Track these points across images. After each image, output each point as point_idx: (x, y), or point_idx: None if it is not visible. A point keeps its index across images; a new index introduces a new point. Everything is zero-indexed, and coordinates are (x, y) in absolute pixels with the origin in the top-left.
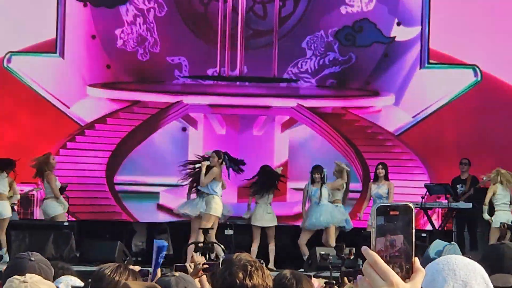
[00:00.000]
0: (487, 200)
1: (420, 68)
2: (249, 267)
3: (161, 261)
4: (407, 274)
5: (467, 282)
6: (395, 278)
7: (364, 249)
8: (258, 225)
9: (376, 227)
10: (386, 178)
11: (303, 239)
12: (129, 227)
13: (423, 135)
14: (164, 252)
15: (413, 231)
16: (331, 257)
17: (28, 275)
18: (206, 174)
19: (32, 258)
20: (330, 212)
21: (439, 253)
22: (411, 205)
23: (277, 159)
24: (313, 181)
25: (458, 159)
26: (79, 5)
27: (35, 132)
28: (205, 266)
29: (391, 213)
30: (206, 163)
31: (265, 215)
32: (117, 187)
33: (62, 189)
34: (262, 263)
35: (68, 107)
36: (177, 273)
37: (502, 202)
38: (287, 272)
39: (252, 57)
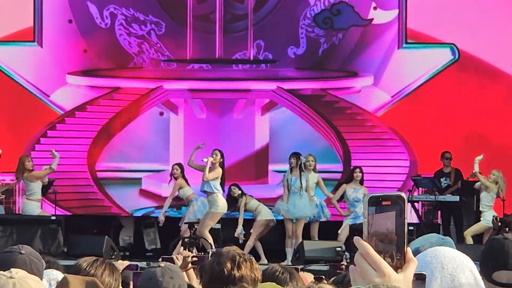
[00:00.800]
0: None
1: (398, 48)
2: (238, 258)
3: None
4: (399, 264)
5: (455, 275)
6: (387, 268)
7: (356, 239)
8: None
9: (368, 217)
10: (362, 182)
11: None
12: (116, 222)
13: (403, 115)
14: None
15: (406, 221)
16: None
17: (13, 270)
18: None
19: (23, 251)
20: (304, 204)
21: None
22: (403, 195)
23: (258, 142)
24: (291, 170)
25: (437, 138)
26: None
27: (15, 121)
28: (194, 259)
29: (383, 203)
30: (210, 159)
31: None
32: (99, 174)
33: (50, 184)
34: (252, 258)
35: (48, 96)
36: (162, 264)
37: (490, 204)
38: (277, 266)
39: (230, 41)
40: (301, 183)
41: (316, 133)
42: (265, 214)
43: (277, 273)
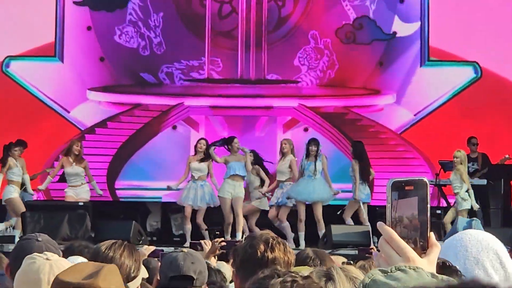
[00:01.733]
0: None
1: (421, 66)
2: (271, 240)
3: None
4: (423, 249)
5: (479, 258)
6: (411, 253)
7: (380, 224)
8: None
9: (391, 203)
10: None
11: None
12: (144, 207)
13: (425, 133)
14: None
15: (428, 206)
16: None
17: (47, 253)
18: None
19: (39, 239)
20: (319, 188)
21: (466, 228)
22: (425, 179)
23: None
24: (308, 155)
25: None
26: (78, 8)
27: (35, 137)
28: (223, 243)
29: (406, 188)
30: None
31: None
32: (119, 192)
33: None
34: (285, 241)
35: (68, 112)
36: (185, 249)
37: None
38: (309, 250)
39: (253, 58)
40: (315, 167)
41: (338, 151)
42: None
43: (306, 259)
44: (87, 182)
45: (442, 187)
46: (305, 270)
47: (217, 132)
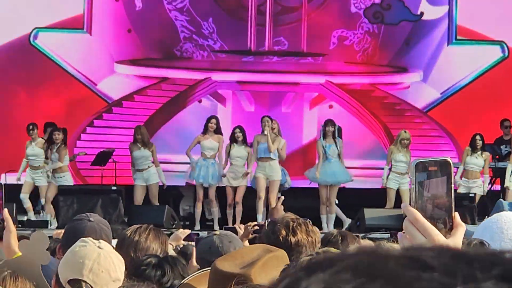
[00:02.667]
0: None
1: (448, 44)
2: (292, 223)
3: None
4: (448, 229)
5: None
6: (436, 234)
7: (404, 205)
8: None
9: (416, 184)
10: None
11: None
12: (177, 191)
13: (451, 112)
14: None
15: (452, 186)
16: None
17: (102, 242)
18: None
19: (91, 219)
20: (339, 170)
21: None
22: (449, 159)
23: (306, 136)
24: (325, 136)
25: (486, 135)
26: None
27: (62, 109)
28: (255, 227)
29: (430, 168)
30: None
31: None
32: None
33: (109, 154)
34: (308, 221)
35: (95, 84)
36: (217, 232)
37: None
38: (334, 230)
39: (280, 33)
40: (337, 149)
41: (364, 129)
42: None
43: (329, 237)
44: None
45: None
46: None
47: (244, 107)
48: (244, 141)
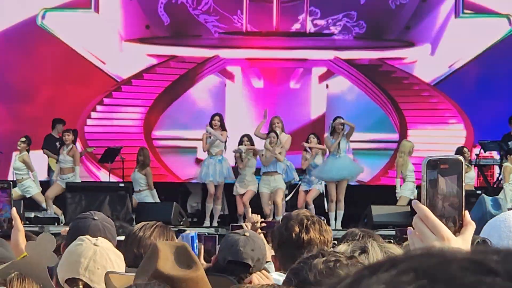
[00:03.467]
0: None
1: (455, 17)
2: (306, 221)
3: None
4: (457, 228)
5: None
6: (446, 232)
7: (415, 202)
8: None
9: (427, 181)
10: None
11: (333, 194)
12: (184, 188)
13: (459, 85)
14: (195, 243)
15: (463, 184)
16: None
17: (99, 239)
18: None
19: (95, 217)
20: (347, 166)
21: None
22: (461, 158)
23: (315, 112)
24: (333, 133)
25: (493, 108)
26: None
27: (71, 89)
28: (263, 224)
29: (441, 166)
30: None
31: None
32: (155, 143)
33: (117, 151)
34: (322, 220)
35: (104, 63)
36: (247, 233)
37: None
38: (357, 230)
39: (285, 10)
40: (339, 146)
41: (373, 103)
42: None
43: (355, 238)
44: None
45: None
46: (341, 246)
47: (253, 84)
48: (249, 158)
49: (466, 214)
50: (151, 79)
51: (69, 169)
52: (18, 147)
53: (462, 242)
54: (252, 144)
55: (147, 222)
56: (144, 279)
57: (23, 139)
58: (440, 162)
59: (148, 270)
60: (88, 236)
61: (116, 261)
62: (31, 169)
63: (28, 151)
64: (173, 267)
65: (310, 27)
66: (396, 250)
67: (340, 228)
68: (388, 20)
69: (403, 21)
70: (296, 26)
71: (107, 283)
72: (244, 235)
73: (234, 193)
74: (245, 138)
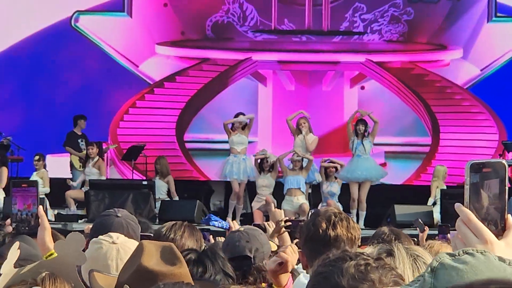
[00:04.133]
0: None
1: (488, 21)
2: (333, 217)
3: (219, 222)
4: (500, 231)
5: None
6: (489, 235)
7: (458, 206)
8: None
9: (470, 184)
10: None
11: (355, 193)
12: (207, 186)
13: (492, 88)
14: (213, 220)
15: (506, 188)
16: None
17: (113, 234)
18: None
19: (119, 214)
20: (372, 168)
21: None
22: (504, 162)
23: (347, 114)
24: (356, 134)
25: None
26: None
27: (104, 91)
28: (288, 223)
29: (484, 170)
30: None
31: None
32: (187, 145)
33: (140, 148)
34: (350, 217)
35: (137, 66)
36: (241, 228)
37: None
38: (385, 228)
39: (318, 12)
40: (364, 147)
41: (405, 106)
42: None
43: (382, 236)
44: None
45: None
46: (367, 249)
47: (284, 87)
48: (271, 170)
49: (509, 217)
50: (184, 81)
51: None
52: (36, 166)
53: (505, 246)
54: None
55: (174, 222)
56: (126, 276)
57: (37, 157)
58: (483, 165)
59: (132, 266)
60: (101, 237)
61: None
62: (46, 185)
63: (44, 166)
64: (157, 263)
65: (358, 23)
66: (420, 252)
67: (363, 227)
68: (420, 24)
69: (435, 24)
70: (345, 25)
71: (92, 282)
72: (238, 230)
73: (252, 205)
74: (265, 160)
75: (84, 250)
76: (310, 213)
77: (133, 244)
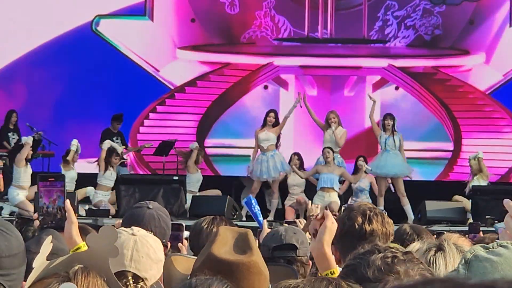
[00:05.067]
0: None
1: (510, 26)
2: (369, 212)
3: (258, 212)
4: None
5: None
6: None
7: (506, 201)
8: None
9: None
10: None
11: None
12: (238, 182)
13: None
14: (254, 205)
15: None
16: None
17: (134, 228)
18: None
19: (150, 206)
20: (399, 164)
21: None
22: None
23: (369, 120)
24: (385, 129)
25: None
26: None
27: (125, 96)
28: (322, 220)
29: None
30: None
31: None
32: (208, 151)
33: (172, 144)
34: (384, 212)
35: (158, 70)
36: (285, 225)
37: None
38: (406, 226)
39: (342, 18)
40: (394, 142)
41: (427, 111)
42: None
43: (404, 235)
44: None
45: None
46: (415, 244)
47: (307, 91)
48: (301, 169)
49: None
50: (205, 86)
51: (109, 188)
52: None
53: None
54: (301, 162)
55: (213, 216)
56: (198, 263)
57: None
58: None
59: (204, 253)
60: (123, 228)
61: (156, 246)
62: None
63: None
64: (227, 251)
65: (392, 21)
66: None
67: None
68: (443, 28)
69: (458, 29)
70: (378, 24)
71: (168, 267)
72: (282, 226)
73: (284, 203)
74: (295, 157)
75: None
76: (343, 208)
77: (153, 239)
